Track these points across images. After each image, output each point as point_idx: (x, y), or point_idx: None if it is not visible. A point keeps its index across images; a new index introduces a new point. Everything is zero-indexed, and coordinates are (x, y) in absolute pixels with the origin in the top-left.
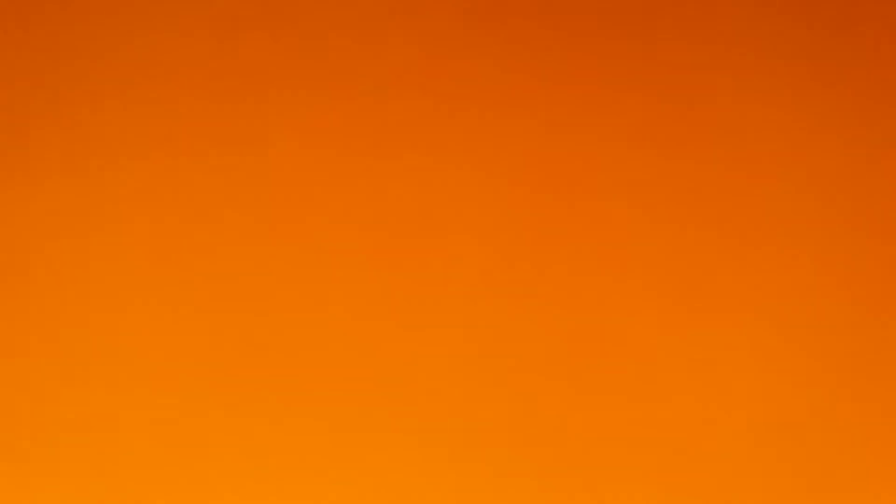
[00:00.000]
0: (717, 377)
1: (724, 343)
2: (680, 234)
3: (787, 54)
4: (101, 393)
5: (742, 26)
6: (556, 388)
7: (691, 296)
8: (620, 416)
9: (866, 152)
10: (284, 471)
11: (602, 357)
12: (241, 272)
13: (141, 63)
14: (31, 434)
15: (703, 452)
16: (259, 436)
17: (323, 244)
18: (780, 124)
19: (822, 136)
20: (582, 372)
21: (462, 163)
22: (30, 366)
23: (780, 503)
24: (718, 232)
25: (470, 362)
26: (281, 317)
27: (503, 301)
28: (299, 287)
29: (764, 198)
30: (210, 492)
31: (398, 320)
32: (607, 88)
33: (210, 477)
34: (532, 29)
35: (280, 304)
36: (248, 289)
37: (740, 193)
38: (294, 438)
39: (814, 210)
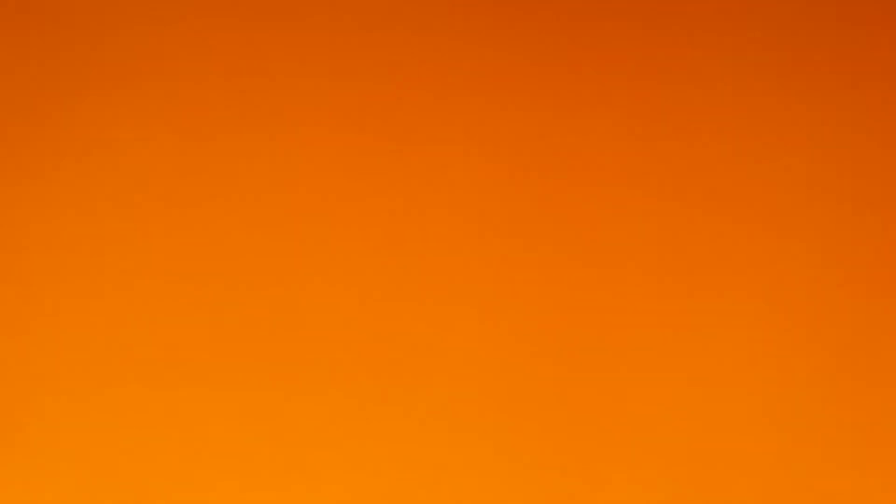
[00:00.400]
0: (720, 368)
1: (728, 334)
2: (682, 228)
3: (788, 50)
4: (102, 392)
5: (745, 22)
6: (557, 381)
7: (692, 290)
8: (621, 410)
9: (866, 149)
10: (287, 468)
11: (603, 350)
12: (247, 267)
13: (142, 60)
14: (30, 434)
15: (703, 447)
16: (261, 432)
17: (327, 238)
18: (781, 120)
19: (823, 132)
20: (582, 365)
21: (465, 156)
22: (30, 365)
23: (779, 498)
24: (721, 224)
25: (473, 355)
26: (287, 311)
27: (507, 292)
28: (304, 281)
29: (765, 193)
30: (211, 490)
31: (401, 313)
32: (610, 83)
33: (211, 475)
34: (536, 23)
35: (286, 298)
36: (254, 283)
37: (742, 189)
38: (297, 435)
39: (814, 206)
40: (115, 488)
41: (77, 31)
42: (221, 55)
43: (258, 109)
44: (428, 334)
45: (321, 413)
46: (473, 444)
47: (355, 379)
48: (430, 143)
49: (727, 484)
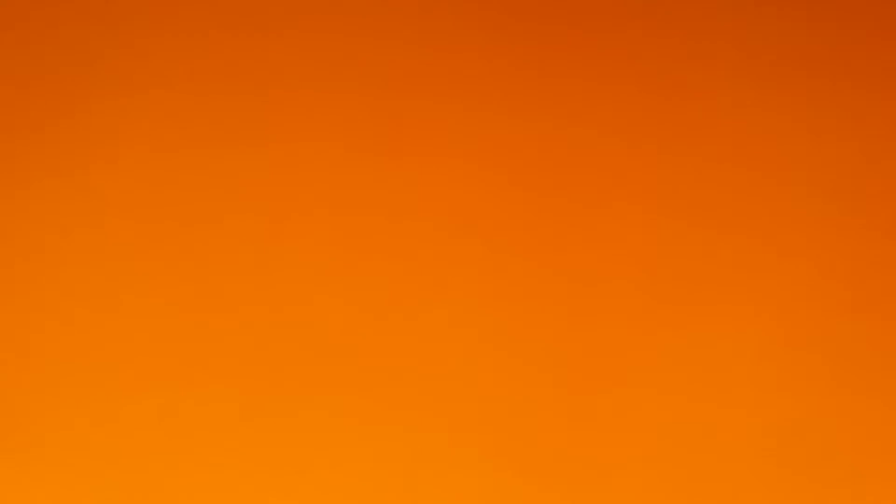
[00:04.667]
0: (717, 377)
1: (724, 342)
2: (680, 233)
3: (786, 54)
4: (101, 393)
5: (743, 26)
6: (556, 388)
7: (690, 294)
8: (621, 415)
9: (866, 152)
10: (283, 470)
11: (602, 357)
12: (242, 271)
13: (141, 63)
14: (30, 434)
15: (703, 452)
16: (258, 435)
17: (322, 243)
18: (780, 124)
19: (822, 135)
20: (582, 372)
21: (462, 161)
22: (29, 365)
23: (780, 503)
24: (718, 231)
25: (470, 361)
26: (281, 315)
27: (504, 299)
28: (298, 286)
29: (764, 197)
30: (208, 491)
31: (398, 319)
32: (607, 87)
33: (208, 476)
34: (533, 28)
35: (280, 303)
36: (249, 287)
37: (740, 193)
38: (294, 437)
39: (814, 209)
40: (114, 488)
41: (77, 36)
42: (221, 55)
43: (258, 111)
44: (423, 344)
45: (318, 421)
46: (467, 449)
47: (353, 386)
48: (425, 153)
49: (727, 488)
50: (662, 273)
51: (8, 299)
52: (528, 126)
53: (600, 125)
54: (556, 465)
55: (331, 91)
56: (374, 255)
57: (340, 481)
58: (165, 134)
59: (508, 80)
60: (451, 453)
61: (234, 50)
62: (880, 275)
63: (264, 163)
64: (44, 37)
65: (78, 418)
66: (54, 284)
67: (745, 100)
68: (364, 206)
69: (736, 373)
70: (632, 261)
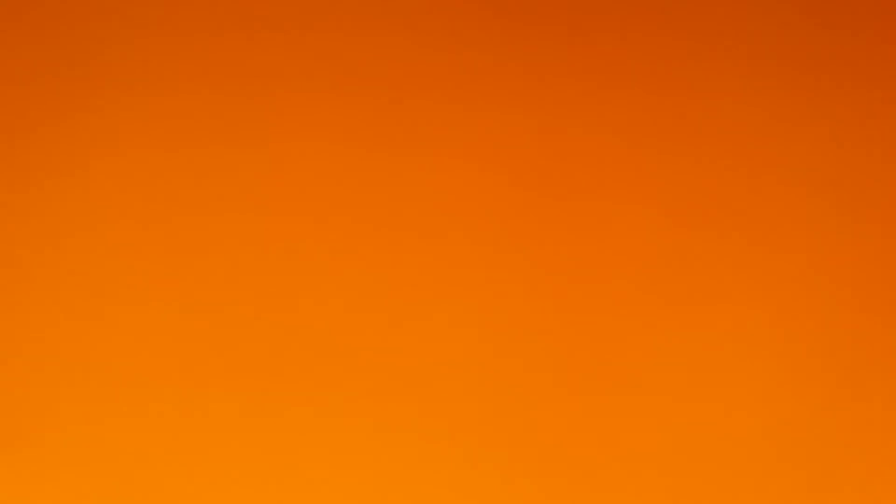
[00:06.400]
0: (717, 376)
1: (725, 342)
2: (679, 233)
3: (786, 54)
4: (102, 393)
5: (741, 25)
6: (555, 387)
7: (690, 295)
8: (620, 415)
9: (866, 152)
10: (283, 469)
11: (601, 357)
12: (242, 271)
13: (141, 63)
14: (30, 434)
15: (703, 452)
16: (258, 434)
17: (322, 242)
18: (780, 124)
19: (820, 135)
20: (581, 371)
21: (463, 160)
22: (29, 365)
23: (780, 503)
24: (718, 231)
25: (471, 360)
26: (281, 315)
27: (504, 298)
28: (298, 285)
29: (764, 197)
30: (209, 491)
31: (397, 319)
32: (608, 87)
33: (209, 476)
34: (534, 28)
35: (281, 302)
36: (249, 287)
37: (741, 192)
38: (294, 436)
39: (813, 210)
40: (116, 490)
41: (77, 36)
42: (222, 55)
43: (258, 111)
44: (424, 342)
45: (319, 420)
46: (468, 448)
47: (354, 385)
48: (426, 152)
49: (727, 489)
50: (663, 272)
51: (8, 299)
52: (528, 125)
53: (601, 124)
54: (557, 464)
55: (331, 91)
56: (375, 253)
57: (341, 481)
58: (165, 134)
59: (509, 80)
60: (451, 453)
61: (234, 50)
62: (880, 275)
63: (264, 162)
64: (44, 37)
65: (78, 418)
66: (54, 284)
67: (745, 100)
68: (365, 206)
69: (736, 372)
70: (632, 260)
